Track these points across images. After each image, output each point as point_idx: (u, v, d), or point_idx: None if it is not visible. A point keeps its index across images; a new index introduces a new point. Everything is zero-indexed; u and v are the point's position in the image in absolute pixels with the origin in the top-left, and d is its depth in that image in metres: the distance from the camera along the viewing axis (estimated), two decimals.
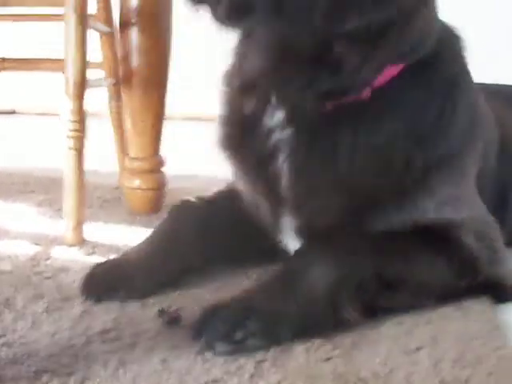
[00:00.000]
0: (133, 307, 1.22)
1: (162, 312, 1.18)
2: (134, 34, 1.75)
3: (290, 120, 1.28)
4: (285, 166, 1.30)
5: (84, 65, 1.53)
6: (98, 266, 1.32)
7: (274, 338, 1.10)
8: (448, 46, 1.35)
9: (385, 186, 1.26)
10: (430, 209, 1.29)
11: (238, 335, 1.08)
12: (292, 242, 1.34)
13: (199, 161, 2.78)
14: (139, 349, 1.08)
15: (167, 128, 1.88)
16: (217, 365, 1.04)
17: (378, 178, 1.26)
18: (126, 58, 1.78)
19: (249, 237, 1.43)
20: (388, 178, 1.26)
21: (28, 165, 2.45)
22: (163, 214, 1.81)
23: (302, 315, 1.13)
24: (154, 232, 1.40)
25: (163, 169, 1.87)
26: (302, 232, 1.32)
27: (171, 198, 1.90)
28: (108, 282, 1.28)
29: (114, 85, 1.89)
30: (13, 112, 4.15)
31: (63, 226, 1.57)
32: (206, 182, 2.26)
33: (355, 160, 1.25)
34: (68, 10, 1.52)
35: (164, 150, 1.88)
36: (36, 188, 2.08)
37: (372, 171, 1.26)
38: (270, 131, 1.31)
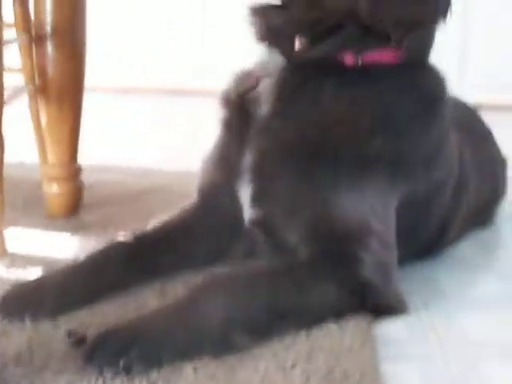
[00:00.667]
0: (45, 327, 1.29)
1: (69, 332, 1.24)
2: (49, 47, 1.85)
3: (286, 56, 1.44)
4: (268, 91, 1.44)
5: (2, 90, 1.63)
6: (17, 285, 1.39)
7: (157, 365, 1.16)
8: (436, 70, 1.53)
9: (347, 144, 1.39)
10: (363, 196, 1.38)
11: (122, 362, 1.14)
12: (246, 193, 1.46)
13: (115, 146, 2.85)
14: (49, 372, 1.15)
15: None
16: None
17: (347, 133, 1.39)
18: (42, 67, 1.86)
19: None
20: (355, 139, 1.39)
21: None
22: (84, 215, 1.94)
23: (190, 343, 1.20)
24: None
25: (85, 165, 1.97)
26: (256, 170, 1.44)
27: (89, 197, 2.01)
28: (20, 303, 1.34)
29: (33, 91, 1.97)
30: None
31: None
32: (123, 173, 2.38)
33: (335, 107, 1.40)
34: None
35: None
36: None
37: (346, 125, 1.39)
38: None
